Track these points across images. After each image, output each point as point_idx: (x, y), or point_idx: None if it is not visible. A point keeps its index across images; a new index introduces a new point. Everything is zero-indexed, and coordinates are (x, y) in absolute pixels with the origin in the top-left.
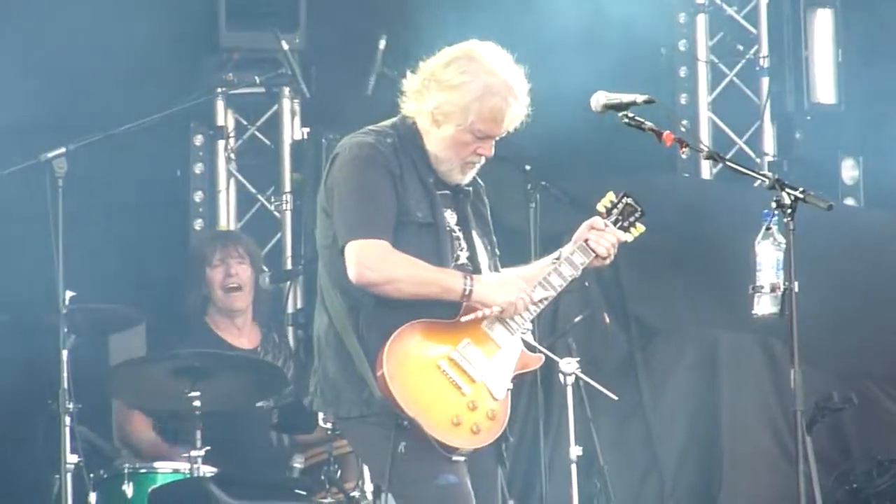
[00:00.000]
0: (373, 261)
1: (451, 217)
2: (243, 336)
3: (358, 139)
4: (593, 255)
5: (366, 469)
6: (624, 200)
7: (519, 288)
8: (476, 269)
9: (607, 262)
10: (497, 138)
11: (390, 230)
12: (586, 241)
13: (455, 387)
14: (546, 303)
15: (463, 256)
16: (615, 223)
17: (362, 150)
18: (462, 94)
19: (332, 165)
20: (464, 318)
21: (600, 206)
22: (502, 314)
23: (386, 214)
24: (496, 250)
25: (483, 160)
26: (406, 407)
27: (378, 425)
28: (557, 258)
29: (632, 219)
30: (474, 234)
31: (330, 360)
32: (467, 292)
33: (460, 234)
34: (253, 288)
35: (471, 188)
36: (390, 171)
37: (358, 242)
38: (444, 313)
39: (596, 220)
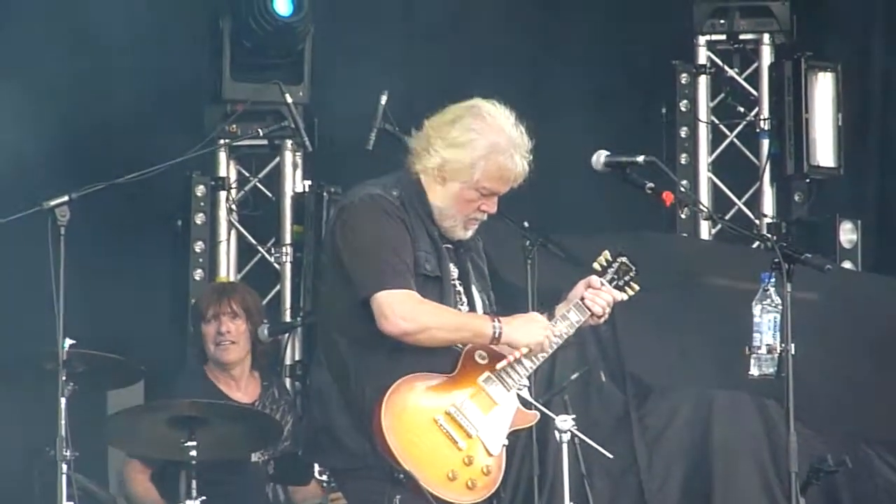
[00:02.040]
0: (406, 311)
1: (453, 271)
2: (241, 390)
3: (367, 190)
4: (589, 313)
5: None
6: (619, 259)
7: (544, 326)
8: None
9: (601, 321)
10: (501, 195)
11: (411, 279)
12: (582, 299)
13: (451, 441)
14: (543, 359)
15: (463, 310)
16: (611, 282)
17: (375, 201)
18: (469, 151)
19: (339, 217)
20: (498, 366)
21: (596, 265)
22: (529, 353)
23: (408, 264)
24: (493, 306)
25: (486, 216)
26: (402, 460)
27: (373, 478)
28: (551, 315)
29: (626, 278)
30: (473, 288)
31: (327, 410)
32: (497, 335)
33: (461, 289)
34: (248, 341)
35: (471, 242)
36: (404, 222)
37: (389, 293)
38: (444, 365)
39: (592, 279)
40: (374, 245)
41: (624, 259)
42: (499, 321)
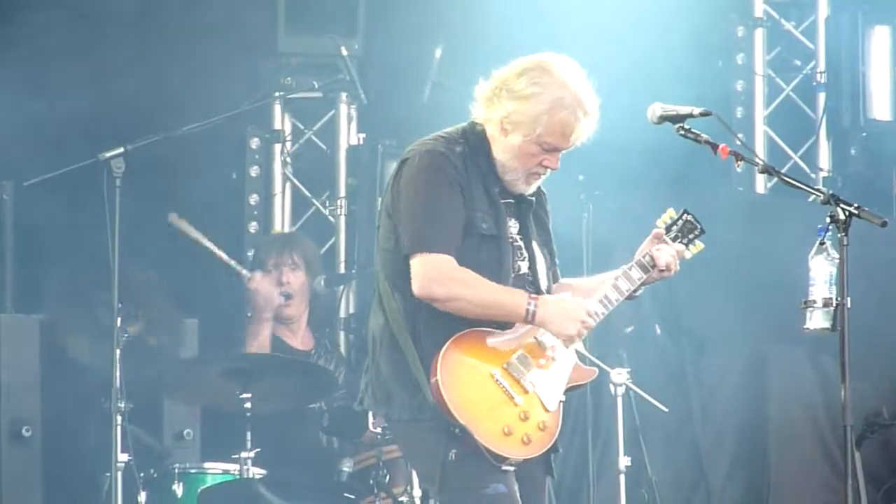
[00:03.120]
0: (439, 276)
1: (513, 226)
2: (297, 338)
3: (429, 146)
4: (651, 270)
5: (414, 474)
6: (684, 217)
7: (580, 320)
8: (535, 279)
9: (666, 275)
10: (564, 151)
11: (455, 244)
12: (649, 255)
13: (508, 397)
14: (603, 317)
15: (523, 267)
16: (674, 240)
17: (434, 160)
18: (532, 104)
19: (400, 169)
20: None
21: (660, 223)
22: (565, 344)
23: (453, 229)
24: (556, 260)
25: (548, 172)
26: (458, 415)
27: (429, 430)
28: (620, 274)
29: (691, 236)
30: (534, 243)
31: (384, 360)
32: (531, 315)
33: (522, 244)
34: (307, 295)
35: (534, 197)
36: (459, 184)
37: (425, 256)
38: (500, 322)
39: (658, 233)
40: (423, 205)
41: (689, 217)
42: (535, 301)
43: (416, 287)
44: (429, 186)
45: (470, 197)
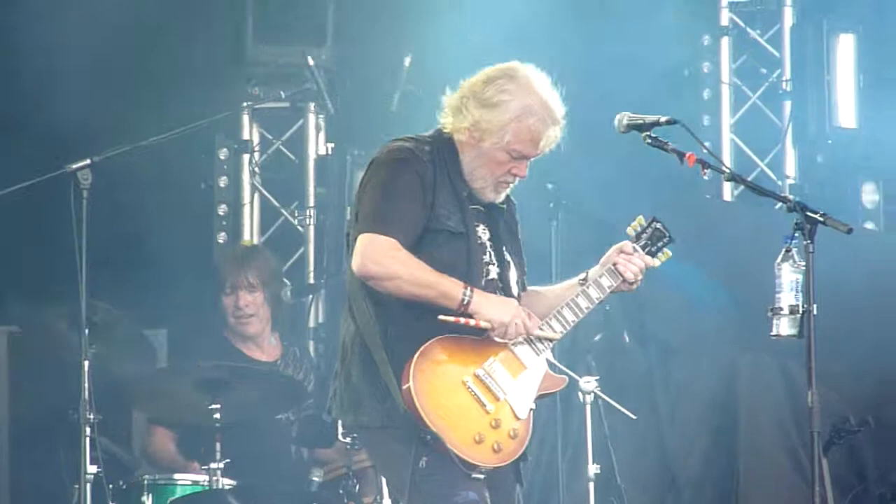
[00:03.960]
0: (378, 255)
1: (483, 233)
2: (262, 351)
3: (397, 143)
4: (621, 279)
5: (384, 483)
6: (653, 225)
7: (515, 313)
8: (506, 286)
9: (634, 287)
10: (532, 159)
11: (405, 231)
12: (615, 264)
13: (479, 404)
14: (574, 324)
15: (493, 272)
16: (643, 248)
17: (398, 152)
18: (500, 112)
19: (368, 166)
20: (441, 317)
21: (630, 230)
22: (492, 332)
23: (404, 215)
24: (525, 269)
25: (517, 181)
26: (430, 422)
27: (399, 439)
28: (584, 280)
29: (660, 244)
30: (505, 251)
31: (354, 367)
32: (465, 302)
33: (491, 251)
34: (268, 309)
35: (504, 205)
36: (421, 176)
37: (369, 235)
38: (472, 330)
39: (625, 245)
40: (375, 191)
41: (658, 225)
42: (471, 290)
43: (356, 265)
44: (388, 174)
45: (434, 194)
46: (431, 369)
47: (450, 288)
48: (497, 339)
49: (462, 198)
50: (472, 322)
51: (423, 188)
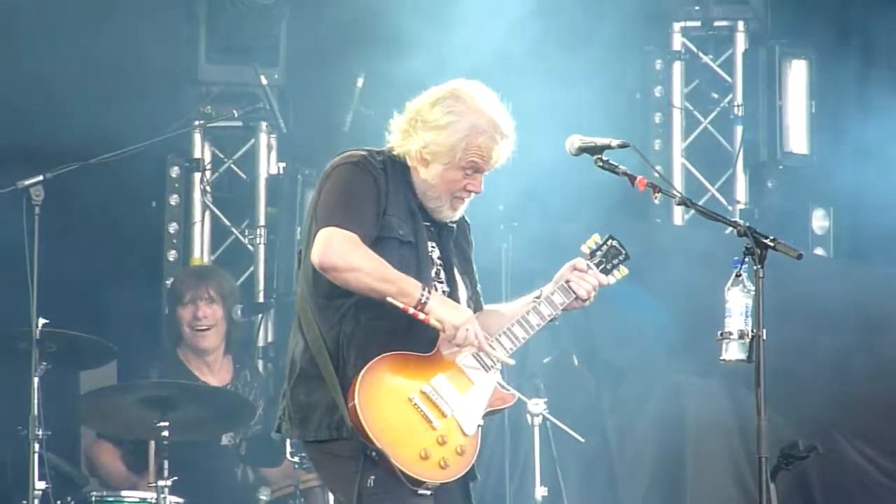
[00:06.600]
0: (340, 247)
1: (433, 250)
2: (213, 374)
3: (351, 151)
4: (573, 296)
5: (331, 500)
6: (609, 242)
7: (469, 321)
8: None
9: (586, 304)
10: (485, 173)
11: (364, 229)
12: (567, 282)
13: (426, 420)
14: (524, 341)
15: (440, 290)
16: (598, 265)
17: (354, 157)
18: (449, 133)
19: (321, 177)
20: (389, 299)
21: (584, 248)
22: (443, 333)
23: (363, 213)
24: (477, 288)
25: (472, 196)
26: (375, 438)
27: (347, 453)
28: (538, 297)
29: (615, 261)
30: (455, 270)
31: (302, 383)
32: (423, 301)
33: (441, 270)
34: (224, 326)
35: (455, 225)
36: (376, 181)
37: (330, 229)
38: (421, 344)
39: (578, 262)
40: (333, 192)
41: (614, 242)
42: (429, 291)
43: (316, 256)
44: (346, 175)
45: (388, 201)
46: (378, 386)
47: (409, 286)
48: (444, 353)
49: (414, 210)
50: (421, 316)
51: (377, 193)
